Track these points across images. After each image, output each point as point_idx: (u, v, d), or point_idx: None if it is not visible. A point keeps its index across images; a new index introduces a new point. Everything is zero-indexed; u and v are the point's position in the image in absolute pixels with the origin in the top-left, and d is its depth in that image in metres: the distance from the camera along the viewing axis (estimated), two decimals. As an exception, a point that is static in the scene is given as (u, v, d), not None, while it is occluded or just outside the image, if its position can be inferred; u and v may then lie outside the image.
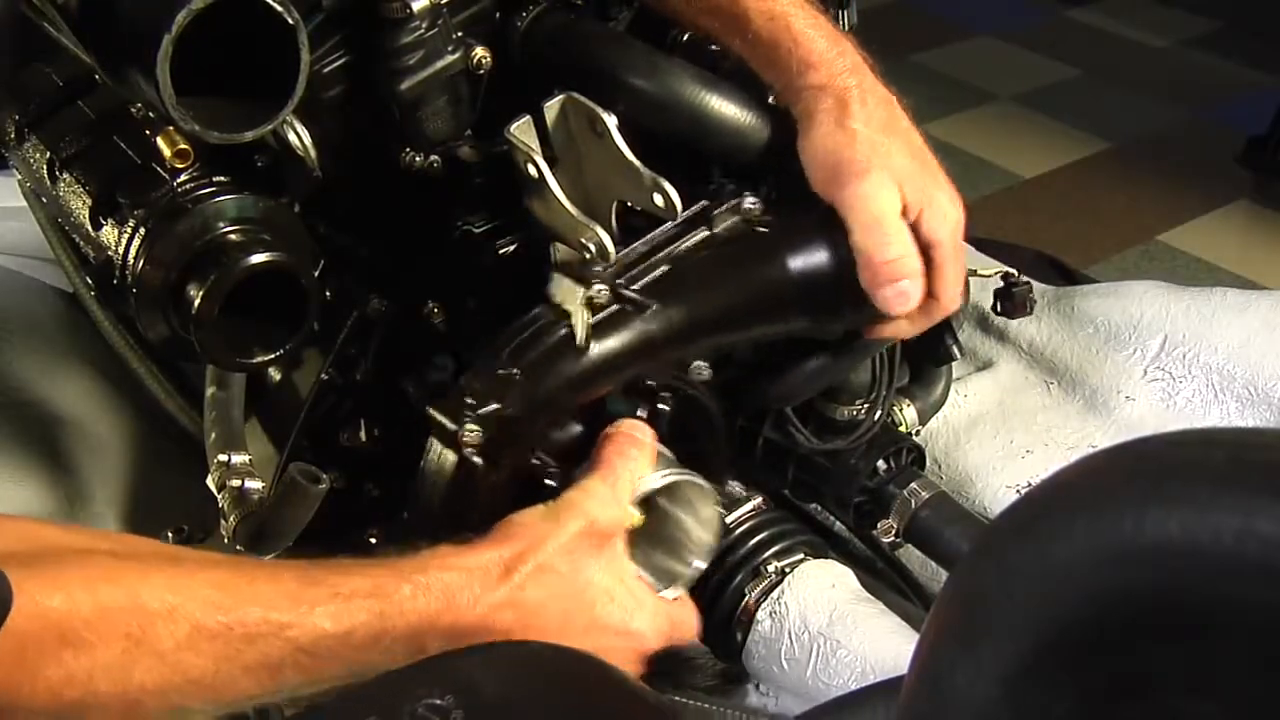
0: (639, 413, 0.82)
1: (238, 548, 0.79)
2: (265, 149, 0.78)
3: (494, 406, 0.76)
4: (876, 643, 0.82)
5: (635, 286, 0.80)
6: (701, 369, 0.85)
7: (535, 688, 0.54)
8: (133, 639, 0.64)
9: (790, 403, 0.92)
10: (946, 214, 0.84)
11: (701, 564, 0.81)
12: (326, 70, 0.80)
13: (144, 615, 0.64)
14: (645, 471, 0.78)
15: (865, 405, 0.93)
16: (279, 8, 0.66)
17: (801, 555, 0.88)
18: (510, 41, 0.85)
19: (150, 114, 0.77)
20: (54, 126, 0.82)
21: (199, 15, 0.63)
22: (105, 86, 0.80)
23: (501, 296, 0.88)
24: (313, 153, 0.80)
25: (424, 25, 0.79)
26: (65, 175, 0.79)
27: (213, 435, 0.86)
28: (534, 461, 0.79)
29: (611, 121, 0.79)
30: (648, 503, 0.79)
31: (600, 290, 0.78)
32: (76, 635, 0.62)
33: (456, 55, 0.81)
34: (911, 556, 0.98)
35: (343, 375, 0.89)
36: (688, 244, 0.82)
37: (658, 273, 0.81)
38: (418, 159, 0.83)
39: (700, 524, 0.82)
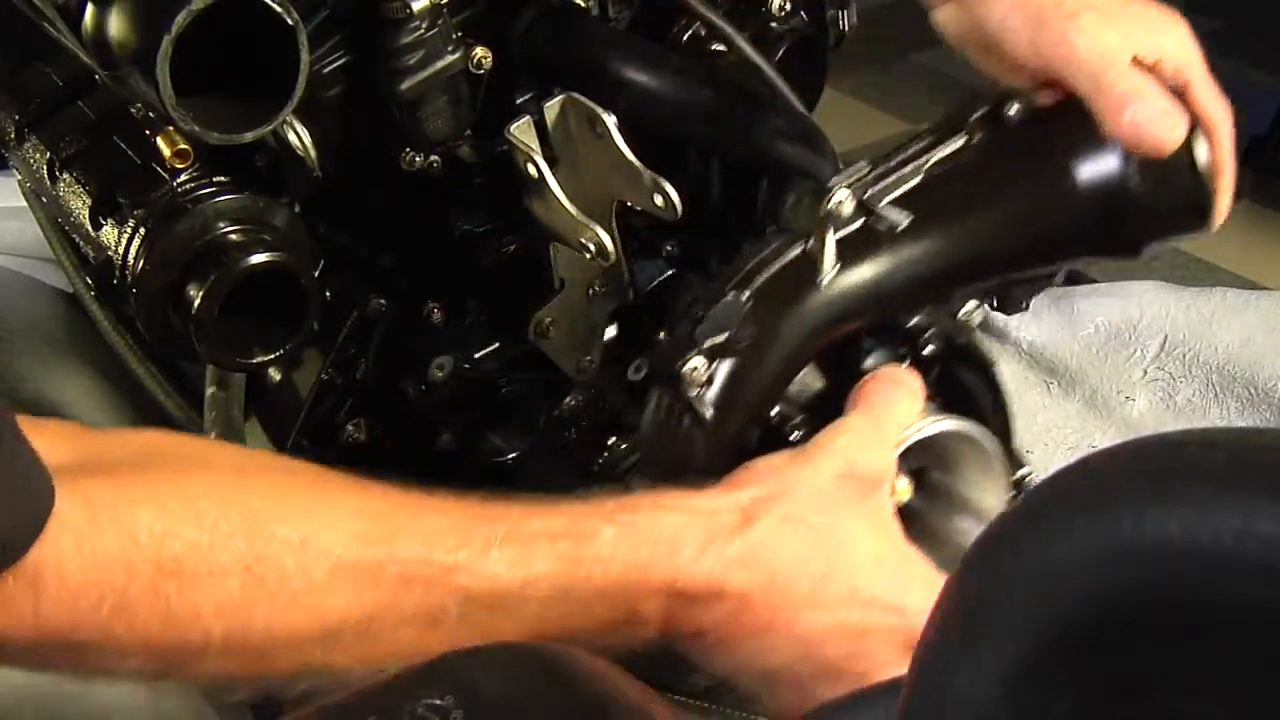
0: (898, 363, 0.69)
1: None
2: (265, 149, 0.78)
3: (723, 336, 0.64)
4: (877, 643, 0.82)
5: (884, 201, 0.67)
6: (973, 312, 0.71)
7: (535, 688, 0.54)
8: (253, 574, 0.51)
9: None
10: (1168, 31, 0.73)
11: None
12: (326, 70, 0.80)
13: (267, 543, 0.52)
14: (913, 420, 0.64)
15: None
16: (279, 8, 0.66)
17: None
18: (510, 41, 0.85)
19: (150, 114, 0.77)
20: (54, 126, 0.81)
21: (199, 15, 0.63)
22: (105, 86, 0.80)
23: (501, 296, 0.88)
24: (313, 153, 0.80)
25: (424, 25, 0.79)
26: (65, 175, 0.79)
27: (212, 435, 0.86)
28: (775, 412, 0.66)
29: (611, 121, 0.79)
30: (919, 477, 0.66)
31: (844, 199, 0.65)
32: (177, 563, 0.50)
33: (456, 55, 0.81)
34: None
35: (343, 375, 0.89)
36: (941, 154, 0.70)
37: (909, 185, 0.68)
38: (418, 159, 0.83)
39: (985, 491, 0.68)
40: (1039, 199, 0.71)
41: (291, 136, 0.79)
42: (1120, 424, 1.07)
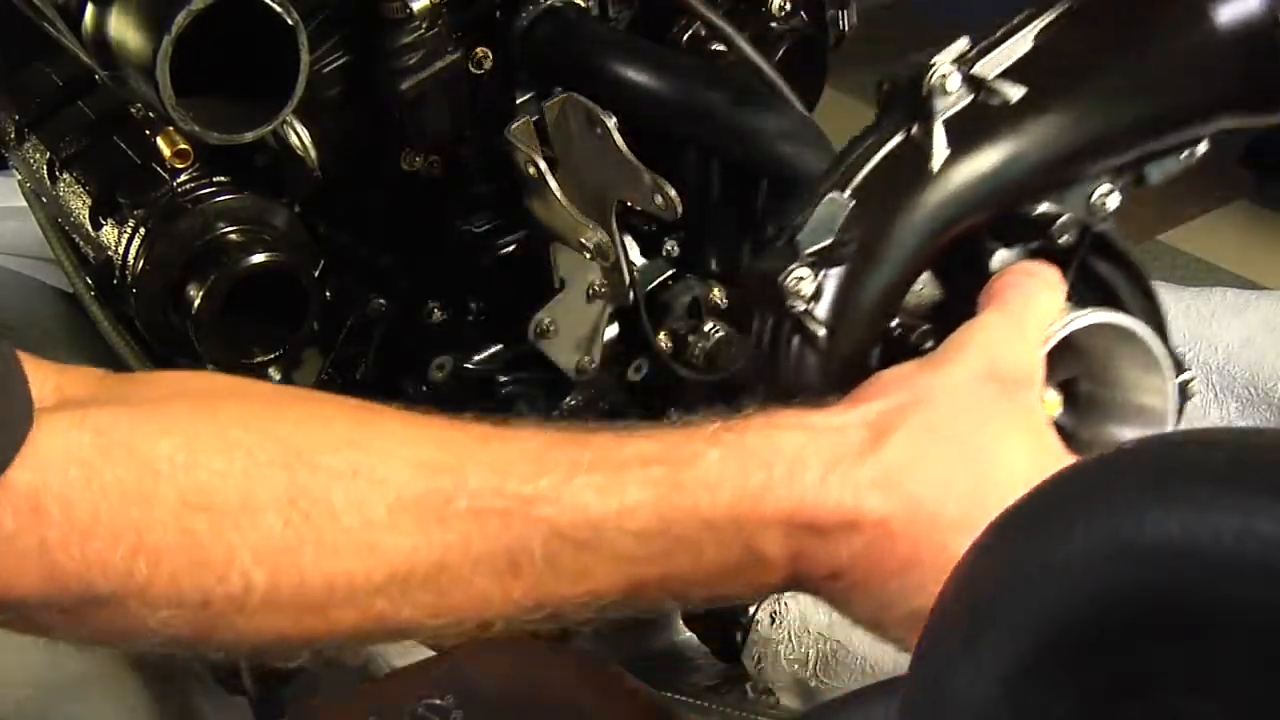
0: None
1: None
2: (265, 149, 0.78)
3: (827, 241, 0.56)
4: (877, 643, 0.82)
5: (993, 75, 0.59)
6: (1108, 195, 0.62)
7: (534, 688, 0.54)
8: (297, 508, 0.44)
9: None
10: None
11: None
12: (326, 70, 0.80)
13: (312, 474, 0.45)
14: (1056, 316, 0.56)
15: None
16: (279, 8, 0.66)
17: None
18: (510, 41, 0.85)
19: (150, 114, 0.77)
20: (54, 126, 0.82)
21: (199, 15, 0.63)
22: (105, 86, 0.80)
23: (501, 296, 0.88)
24: (313, 153, 0.80)
25: (424, 25, 0.79)
26: (65, 175, 0.79)
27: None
28: (895, 325, 0.59)
29: (611, 121, 0.79)
30: (1068, 389, 0.59)
31: (949, 73, 0.58)
32: (205, 496, 0.44)
33: (456, 55, 0.81)
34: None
35: (343, 375, 0.89)
36: (1051, 18, 0.61)
37: (1019, 55, 0.60)
38: (418, 159, 0.83)
39: (1148, 392, 0.60)
40: (1173, 52, 0.62)
41: (291, 136, 0.79)
42: (1120, 424, 1.07)
